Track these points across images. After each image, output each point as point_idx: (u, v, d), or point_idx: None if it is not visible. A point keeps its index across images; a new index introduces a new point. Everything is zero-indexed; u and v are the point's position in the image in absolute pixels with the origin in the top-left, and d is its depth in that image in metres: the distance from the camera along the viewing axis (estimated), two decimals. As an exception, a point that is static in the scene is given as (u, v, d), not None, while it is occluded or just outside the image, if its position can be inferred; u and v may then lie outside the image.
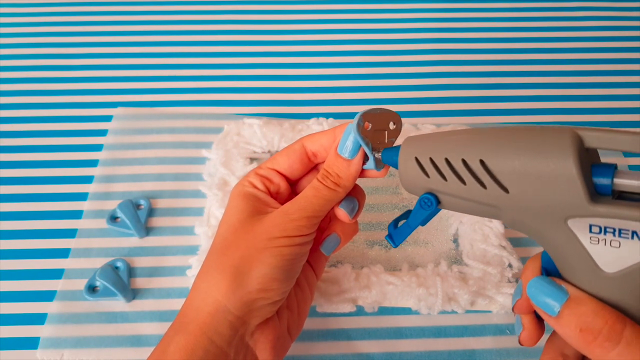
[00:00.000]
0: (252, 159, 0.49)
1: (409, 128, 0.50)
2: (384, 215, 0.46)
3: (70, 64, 0.58)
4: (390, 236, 0.33)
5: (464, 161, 0.27)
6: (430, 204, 0.30)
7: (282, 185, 0.35)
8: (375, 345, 0.40)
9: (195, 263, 0.43)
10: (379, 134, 0.32)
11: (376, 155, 0.32)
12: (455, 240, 0.45)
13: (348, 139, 0.32)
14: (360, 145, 0.32)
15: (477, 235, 0.43)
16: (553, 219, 0.25)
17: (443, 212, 0.46)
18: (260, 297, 0.31)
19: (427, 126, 0.50)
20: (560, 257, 0.26)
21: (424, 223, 0.31)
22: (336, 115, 0.51)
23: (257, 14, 0.64)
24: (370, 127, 0.32)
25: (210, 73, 0.58)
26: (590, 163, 0.25)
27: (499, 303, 0.41)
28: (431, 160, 0.29)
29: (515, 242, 0.44)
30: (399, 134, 0.33)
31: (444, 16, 0.64)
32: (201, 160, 0.50)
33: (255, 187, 0.34)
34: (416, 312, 0.41)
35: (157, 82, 0.57)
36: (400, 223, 0.33)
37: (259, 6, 0.64)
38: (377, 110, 0.32)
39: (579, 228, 0.25)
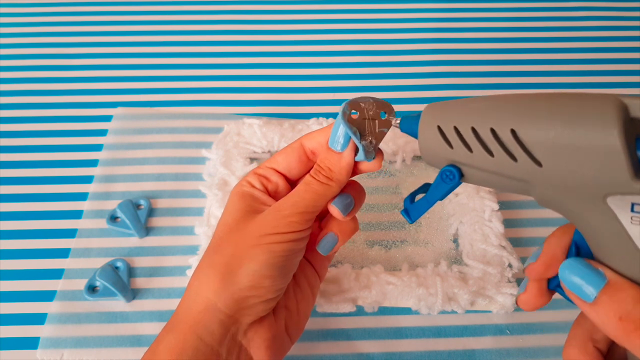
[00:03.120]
0: (252, 159, 0.49)
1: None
2: (384, 215, 0.46)
3: (70, 64, 0.58)
4: (406, 211, 0.30)
5: (492, 130, 0.25)
6: (453, 177, 0.27)
7: (281, 183, 0.34)
8: (375, 345, 0.40)
9: (195, 263, 0.43)
10: (369, 123, 0.31)
11: (365, 144, 0.31)
12: (455, 240, 0.45)
13: (337, 131, 0.31)
14: (351, 137, 0.31)
15: (477, 235, 0.43)
16: (591, 197, 0.23)
17: (443, 212, 0.46)
18: (252, 295, 0.30)
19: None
20: (595, 237, 0.24)
21: (443, 197, 0.29)
22: (336, 116, 0.51)
23: (257, 14, 0.64)
24: (357, 116, 0.31)
25: (210, 73, 0.58)
26: (635, 135, 0.22)
27: (499, 303, 0.41)
28: (455, 129, 0.26)
29: (515, 242, 0.44)
30: (391, 124, 0.31)
31: (444, 16, 0.64)
32: (201, 160, 0.50)
33: (252, 186, 0.34)
34: (416, 312, 0.41)
35: (157, 82, 0.57)
36: (418, 197, 0.30)
37: (259, 6, 0.64)
38: (365, 99, 0.31)
39: (619, 206, 0.23)
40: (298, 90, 0.56)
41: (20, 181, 0.49)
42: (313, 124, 0.50)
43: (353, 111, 0.31)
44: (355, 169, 0.32)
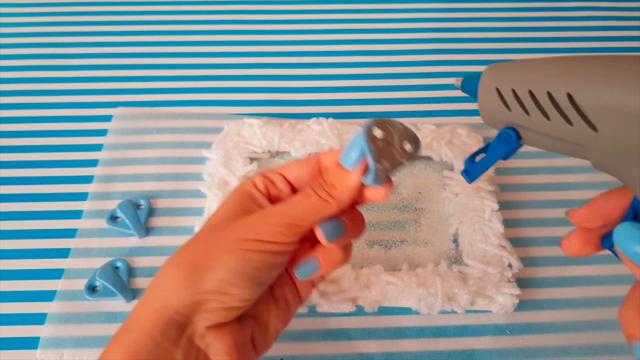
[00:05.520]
0: (252, 159, 0.49)
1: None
2: (383, 215, 0.47)
3: (70, 64, 0.58)
4: (466, 172, 0.30)
5: (549, 94, 0.24)
6: (511, 140, 0.27)
7: (285, 191, 0.33)
8: (375, 345, 0.40)
9: (195, 263, 0.43)
10: (389, 148, 0.29)
11: (377, 166, 0.28)
12: (455, 240, 0.45)
13: (352, 147, 0.29)
14: (363, 156, 0.28)
15: (477, 235, 0.43)
16: None
17: (443, 212, 0.46)
18: (214, 299, 0.28)
19: (427, 126, 0.50)
20: None
21: (505, 158, 0.29)
22: (336, 115, 0.51)
23: (256, 14, 0.64)
24: (382, 137, 0.28)
25: (210, 73, 0.58)
26: None
27: (499, 303, 0.41)
28: (513, 91, 0.26)
29: (515, 242, 0.44)
30: (413, 157, 0.29)
31: (444, 16, 0.64)
32: (201, 160, 0.50)
33: (255, 186, 0.33)
34: (416, 312, 0.41)
35: (157, 82, 0.57)
36: (478, 158, 0.30)
37: (259, 6, 0.64)
38: (395, 123, 0.29)
39: None
40: (298, 90, 0.56)
41: (20, 181, 0.49)
42: (313, 124, 0.50)
43: (379, 130, 0.29)
44: (360, 197, 0.30)
